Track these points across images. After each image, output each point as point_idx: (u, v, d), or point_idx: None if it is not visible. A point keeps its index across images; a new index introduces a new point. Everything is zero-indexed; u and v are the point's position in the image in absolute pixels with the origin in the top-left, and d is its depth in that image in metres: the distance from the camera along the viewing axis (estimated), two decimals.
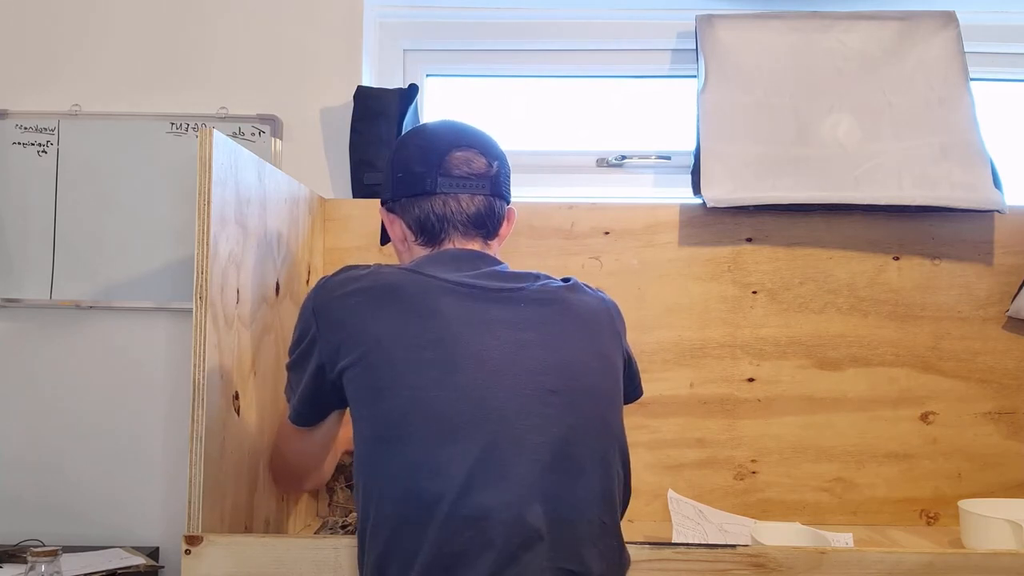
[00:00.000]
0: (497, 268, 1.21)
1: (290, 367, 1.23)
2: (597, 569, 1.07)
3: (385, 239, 1.44)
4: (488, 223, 1.27)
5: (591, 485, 1.09)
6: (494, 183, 1.28)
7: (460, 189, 1.25)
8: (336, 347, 1.13)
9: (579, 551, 1.06)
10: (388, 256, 1.71)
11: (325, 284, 1.18)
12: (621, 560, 1.13)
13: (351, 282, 1.16)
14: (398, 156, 1.31)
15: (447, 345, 1.09)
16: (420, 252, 1.27)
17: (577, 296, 1.20)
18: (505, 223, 1.31)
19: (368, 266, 1.20)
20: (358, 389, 1.11)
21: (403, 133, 1.38)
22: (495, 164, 1.29)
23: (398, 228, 1.30)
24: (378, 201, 1.36)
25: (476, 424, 1.06)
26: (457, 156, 1.26)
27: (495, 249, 1.30)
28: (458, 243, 1.26)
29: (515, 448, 1.06)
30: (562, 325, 1.15)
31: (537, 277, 1.20)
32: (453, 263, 1.20)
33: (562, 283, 1.21)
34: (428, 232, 1.26)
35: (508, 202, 1.32)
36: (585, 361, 1.15)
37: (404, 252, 1.31)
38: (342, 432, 1.35)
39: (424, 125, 1.37)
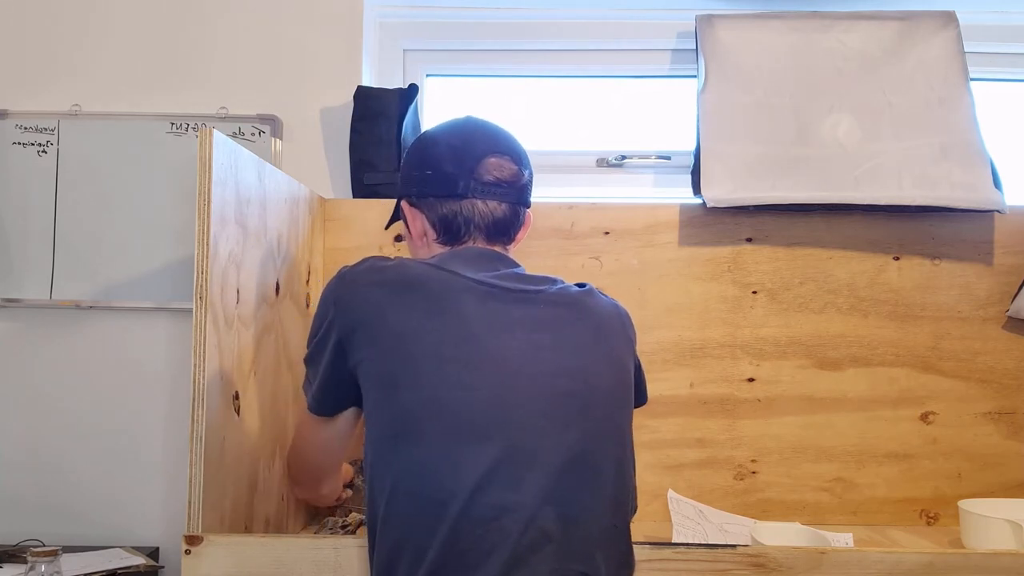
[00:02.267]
0: (516, 270, 1.22)
1: (308, 360, 1.22)
2: (606, 573, 1.07)
3: (390, 223, 1.43)
4: (511, 229, 1.29)
5: (603, 489, 1.09)
6: (521, 192, 1.29)
7: (489, 196, 1.25)
8: (353, 335, 1.12)
9: (589, 554, 1.06)
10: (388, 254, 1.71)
11: (346, 275, 1.17)
12: (629, 563, 1.13)
13: (374, 273, 1.15)
14: (428, 152, 1.30)
15: (467, 344, 1.09)
16: (438, 249, 1.27)
17: (593, 301, 1.20)
18: (523, 229, 1.32)
19: (390, 258, 1.19)
20: (375, 382, 1.11)
21: (427, 129, 1.36)
22: (526, 173, 1.30)
23: (419, 223, 1.29)
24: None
25: (494, 425, 1.05)
26: (491, 162, 1.26)
27: (512, 252, 1.30)
28: (479, 244, 1.26)
29: (530, 450, 1.05)
30: (578, 329, 1.16)
31: (555, 281, 1.21)
32: (476, 261, 1.20)
33: (578, 288, 1.21)
34: (451, 232, 1.26)
35: (529, 207, 1.32)
36: (600, 365, 1.15)
37: (421, 247, 1.31)
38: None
39: (453, 123, 1.34)
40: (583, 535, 1.06)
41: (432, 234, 1.28)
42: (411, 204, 1.31)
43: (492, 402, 1.06)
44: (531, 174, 1.32)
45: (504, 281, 1.16)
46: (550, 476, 1.05)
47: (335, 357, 1.15)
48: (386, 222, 1.46)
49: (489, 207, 1.26)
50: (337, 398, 1.21)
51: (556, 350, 1.12)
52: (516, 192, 1.28)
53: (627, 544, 1.13)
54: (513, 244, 1.31)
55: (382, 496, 1.07)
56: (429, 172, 1.27)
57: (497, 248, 1.27)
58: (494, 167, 1.26)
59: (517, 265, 1.24)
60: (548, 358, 1.11)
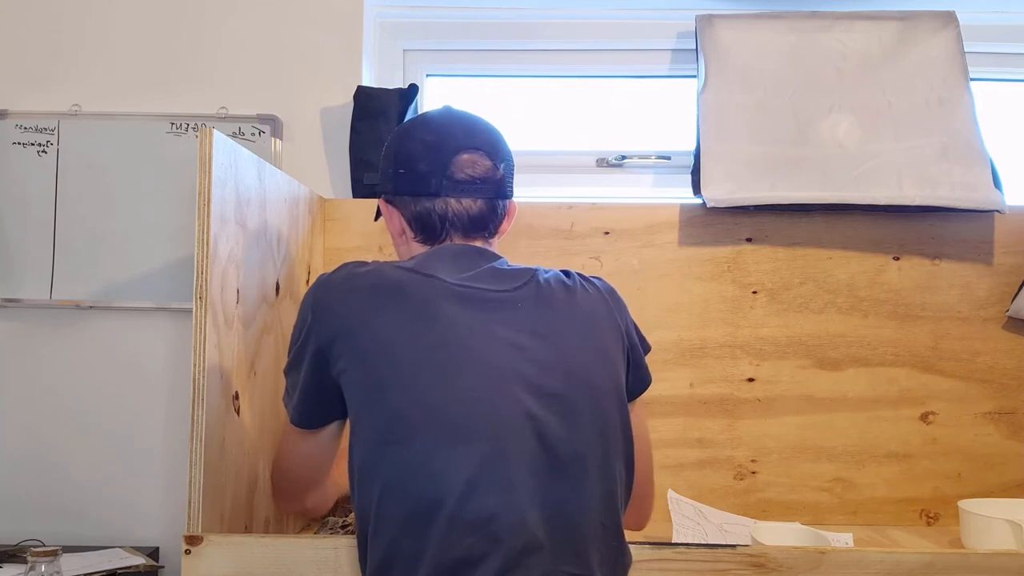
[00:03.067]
0: (496, 265, 1.20)
1: (287, 370, 1.21)
2: (599, 572, 1.06)
3: (378, 216, 1.42)
4: (490, 224, 1.27)
5: (591, 488, 1.09)
6: (498, 186, 1.27)
7: (463, 193, 1.24)
8: (334, 344, 1.11)
9: (580, 554, 1.05)
10: (389, 256, 1.71)
11: (325, 281, 1.16)
12: (623, 561, 1.13)
13: (352, 279, 1.14)
14: (402, 149, 1.28)
15: (449, 347, 1.08)
16: (418, 248, 1.26)
17: (576, 292, 1.19)
18: (505, 220, 1.30)
19: (368, 263, 1.18)
20: (359, 388, 1.10)
21: (404, 122, 1.33)
22: (501, 166, 1.27)
23: (396, 221, 1.28)
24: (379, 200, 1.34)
25: (480, 428, 1.05)
26: (464, 158, 1.24)
27: (495, 245, 1.29)
28: (458, 241, 1.25)
29: (517, 452, 1.05)
30: (562, 325, 1.15)
31: (534, 273, 1.19)
32: (453, 261, 1.19)
33: (561, 276, 1.20)
34: (428, 231, 1.25)
35: (510, 198, 1.30)
36: (586, 361, 1.14)
37: (401, 245, 1.30)
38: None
39: (429, 116, 1.32)
40: (573, 536, 1.05)
41: (410, 232, 1.27)
42: (388, 202, 1.29)
43: (476, 404, 1.06)
44: (508, 166, 1.29)
45: (482, 282, 1.15)
46: (537, 477, 1.05)
47: (316, 367, 1.14)
48: (374, 215, 1.45)
49: (463, 205, 1.24)
50: (321, 408, 1.19)
51: (539, 350, 1.11)
52: (491, 187, 1.26)
53: (618, 541, 1.12)
54: (497, 236, 1.29)
55: (371, 499, 1.06)
56: (402, 171, 1.26)
57: (477, 243, 1.25)
58: (466, 164, 1.24)
59: (497, 258, 1.22)
60: (531, 358, 1.10)
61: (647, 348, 1.28)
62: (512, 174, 1.30)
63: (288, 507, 1.44)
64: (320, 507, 1.44)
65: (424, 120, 1.32)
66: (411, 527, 1.03)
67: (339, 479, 1.42)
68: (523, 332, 1.12)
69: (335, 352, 1.12)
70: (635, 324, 1.26)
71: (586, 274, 1.25)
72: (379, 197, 1.32)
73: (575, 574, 1.04)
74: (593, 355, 1.15)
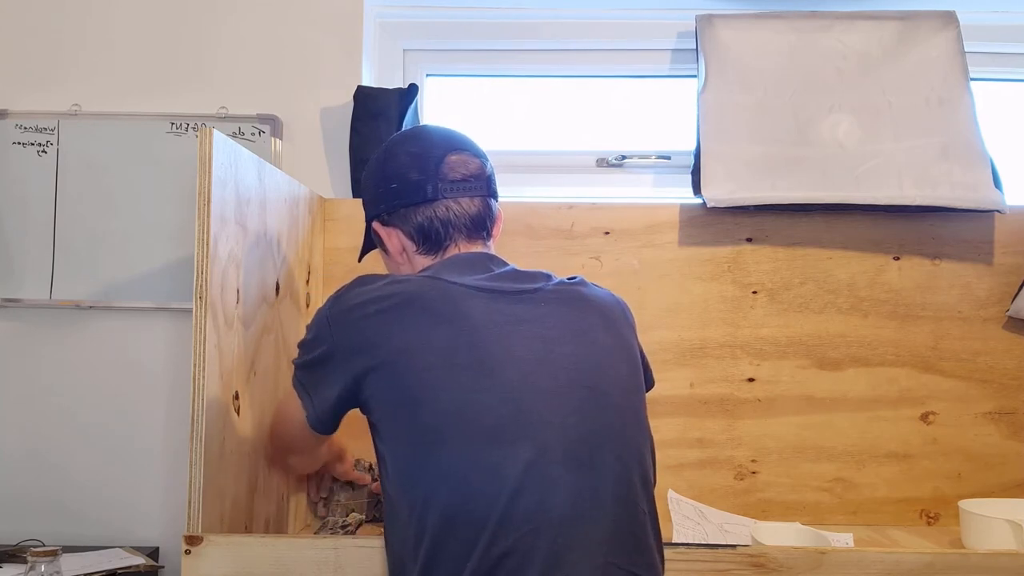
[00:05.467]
0: (509, 269, 1.21)
1: (301, 367, 1.20)
2: (648, 559, 1.06)
3: (363, 254, 1.42)
4: (487, 224, 1.27)
5: (632, 478, 1.09)
6: (489, 183, 1.28)
7: (460, 192, 1.24)
8: (358, 364, 1.11)
9: (628, 545, 1.05)
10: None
11: (341, 296, 1.15)
12: (661, 548, 1.12)
13: (369, 292, 1.13)
14: (388, 166, 1.28)
15: (479, 348, 1.08)
16: (422, 262, 1.25)
17: (591, 292, 1.20)
18: (496, 223, 1.31)
19: (381, 276, 1.17)
20: (388, 403, 1.09)
21: (381, 145, 1.35)
22: (488, 165, 1.29)
23: (396, 240, 1.27)
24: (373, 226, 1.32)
25: (519, 426, 1.05)
26: (453, 159, 1.25)
27: (493, 250, 1.29)
28: (463, 247, 1.24)
29: (558, 447, 1.05)
30: (585, 321, 1.15)
31: (549, 276, 1.20)
32: (467, 267, 1.18)
33: (572, 281, 1.21)
34: (432, 240, 1.24)
35: (497, 199, 1.31)
36: (613, 356, 1.15)
37: (404, 264, 1.28)
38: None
39: (405, 133, 1.34)
40: (619, 528, 1.05)
41: (412, 246, 1.26)
42: (384, 223, 1.28)
43: (515, 403, 1.05)
44: (492, 167, 1.31)
45: (501, 282, 1.16)
46: (580, 471, 1.05)
47: (341, 385, 1.13)
48: (359, 255, 1.43)
49: (463, 205, 1.24)
50: (340, 415, 1.20)
51: (568, 344, 1.12)
52: (484, 184, 1.27)
53: (657, 527, 1.12)
54: (492, 241, 1.29)
55: (413, 508, 1.05)
56: (394, 185, 1.25)
57: (479, 248, 1.25)
58: (458, 164, 1.25)
59: (507, 264, 1.23)
60: (562, 353, 1.11)
61: (653, 380, 1.31)
62: (495, 177, 1.31)
63: (276, 457, 1.44)
64: (304, 467, 1.50)
65: (401, 137, 1.33)
66: (457, 529, 1.02)
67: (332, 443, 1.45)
68: (551, 328, 1.12)
69: (359, 370, 1.11)
70: None
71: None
72: (372, 223, 1.31)
73: (620, 565, 1.03)
74: (619, 350, 1.17)
